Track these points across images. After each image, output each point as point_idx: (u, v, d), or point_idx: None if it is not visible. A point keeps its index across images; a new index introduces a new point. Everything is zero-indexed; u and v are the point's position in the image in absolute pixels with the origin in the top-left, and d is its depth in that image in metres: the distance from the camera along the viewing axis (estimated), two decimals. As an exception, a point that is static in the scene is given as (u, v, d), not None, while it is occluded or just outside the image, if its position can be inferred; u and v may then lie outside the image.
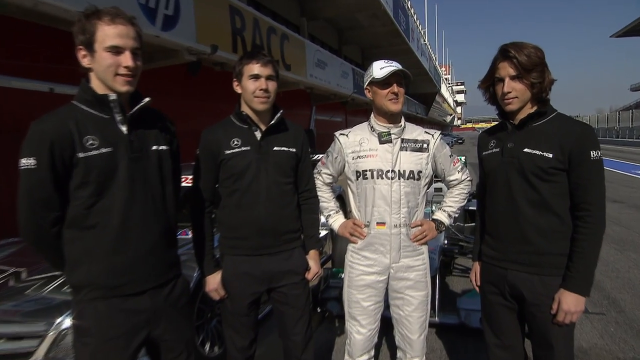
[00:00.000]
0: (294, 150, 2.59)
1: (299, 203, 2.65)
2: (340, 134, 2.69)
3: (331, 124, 18.48)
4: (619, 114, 52.98)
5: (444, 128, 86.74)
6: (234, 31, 9.57)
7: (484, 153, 2.46)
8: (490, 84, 2.33)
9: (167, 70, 8.26)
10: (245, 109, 2.51)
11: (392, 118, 2.58)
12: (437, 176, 2.76)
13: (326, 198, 2.79)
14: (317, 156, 3.58)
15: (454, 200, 2.74)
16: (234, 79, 2.51)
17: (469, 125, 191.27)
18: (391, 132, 2.56)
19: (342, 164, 2.69)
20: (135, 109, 2.04)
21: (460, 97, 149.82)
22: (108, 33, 1.94)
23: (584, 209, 2.18)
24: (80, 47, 1.98)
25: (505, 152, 2.32)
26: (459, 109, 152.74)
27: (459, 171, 2.72)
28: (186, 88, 9.64)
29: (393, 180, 2.53)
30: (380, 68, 2.51)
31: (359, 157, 2.59)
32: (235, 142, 2.49)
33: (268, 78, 2.45)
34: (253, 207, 2.49)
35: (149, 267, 2.07)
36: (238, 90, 2.51)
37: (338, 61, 18.01)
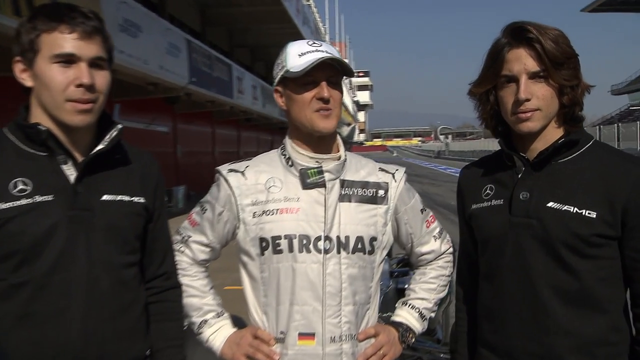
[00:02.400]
0: (141, 200, 1.94)
1: (147, 302, 2.01)
2: (230, 171, 2.07)
3: (150, 136, 15.72)
4: (600, 130, 46.75)
5: None
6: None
7: (474, 206, 2.04)
8: (490, 89, 1.93)
9: None
10: (41, 119, 1.81)
11: (322, 143, 2.03)
12: (399, 245, 2.26)
13: (198, 288, 2.12)
14: None
15: (428, 289, 2.22)
16: (17, 58, 1.80)
17: (378, 142, 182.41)
18: (323, 168, 2.00)
19: (231, 226, 2.07)
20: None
21: (364, 96, 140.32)
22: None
23: None
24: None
25: (516, 206, 1.90)
26: (361, 116, 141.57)
27: (436, 237, 2.21)
28: None
29: (328, 256, 1.98)
30: (300, 54, 1.96)
31: (265, 212, 2.01)
32: (21, 187, 1.79)
33: (94, 64, 1.78)
34: (58, 319, 1.79)
35: None
36: (26, 81, 1.80)
37: (162, 25, 15.00)
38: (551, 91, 1.85)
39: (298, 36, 29.40)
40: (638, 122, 43.53)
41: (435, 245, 2.22)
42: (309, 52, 1.98)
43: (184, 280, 2.12)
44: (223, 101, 20.52)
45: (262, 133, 37.32)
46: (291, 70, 1.96)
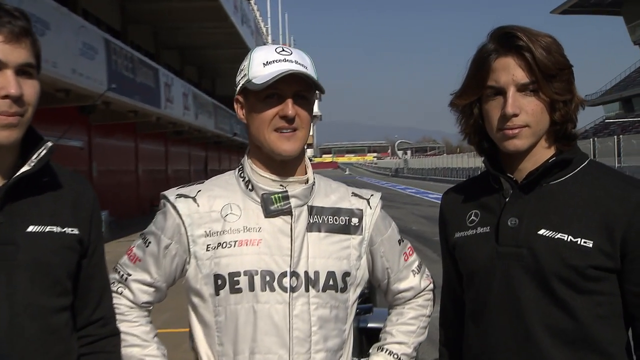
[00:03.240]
0: (74, 231, 1.94)
1: (80, 354, 2.01)
2: (179, 196, 2.07)
3: (60, 152, 14.80)
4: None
5: None
6: None
7: (457, 235, 2.08)
8: (475, 100, 1.98)
9: None
10: None
11: (287, 165, 2.05)
12: (374, 282, 2.27)
13: (139, 337, 2.09)
14: None
15: (407, 331, 2.23)
16: None
17: (328, 158, 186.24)
18: (289, 193, 2.02)
19: (181, 261, 2.06)
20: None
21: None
22: None
23: None
24: None
25: (504, 234, 1.95)
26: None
27: (415, 272, 2.24)
28: None
29: (295, 294, 1.99)
30: (265, 62, 1.99)
31: (221, 245, 2.00)
32: None
33: (22, 71, 1.80)
34: None
35: None
36: None
37: (74, 22, 15.16)
38: (541, 106, 1.89)
39: (236, 36, 29.72)
40: (615, 136, 45.56)
41: (415, 281, 2.25)
42: (276, 61, 2.00)
43: (122, 326, 2.10)
44: (148, 111, 20.50)
45: (194, 148, 37.17)
46: (253, 80, 1.97)
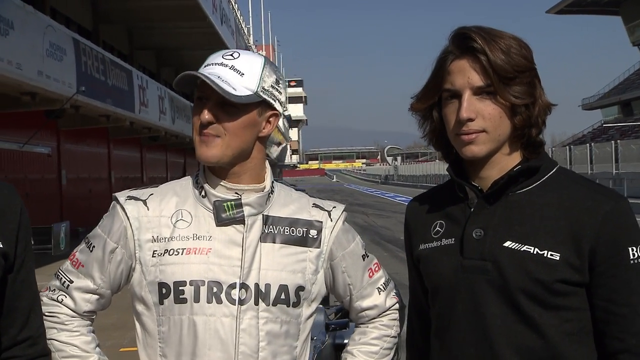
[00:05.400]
0: None
1: None
2: (130, 198, 2.10)
3: (26, 159, 16.29)
4: (571, 150, 50.06)
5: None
6: None
7: (422, 247, 2.10)
8: (433, 104, 2.01)
9: None
10: None
11: (241, 171, 2.07)
12: (336, 298, 2.32)
13: (80, 347, 2.08)
14: None
15: (369, 352, 2.24)
16: None
17: (315, 164, 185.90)
18: (243, 201, 2.04)
19: (126, 267, 2.08)
20: None
21: (297, 110, 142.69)
22: None
23: None
24: None
25: (468, 247, 1.96)
26: (294, 133, 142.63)
27: (380, 289, 2.25)
28: None
29: (243, 307, 2.01)
30: (206, 64, 2.07)
31: (168, 252, 2.02)
32: None
33: None
34: None
35: None
36: None
37: (41, 21, 15.15)
38: (499, 110, 1.91)
39: (215, 37, 29.79)
40: (612, 141, 45.91)
41: (379, 299, 2.26)
42: (210, 64, 2.05)
43: (61, 336, 2.11)
44: (121, 115, 20.46)
45: (172, 154, 37.11)
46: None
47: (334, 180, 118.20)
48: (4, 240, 1.96)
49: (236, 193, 2.08)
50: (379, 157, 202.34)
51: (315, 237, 2.15)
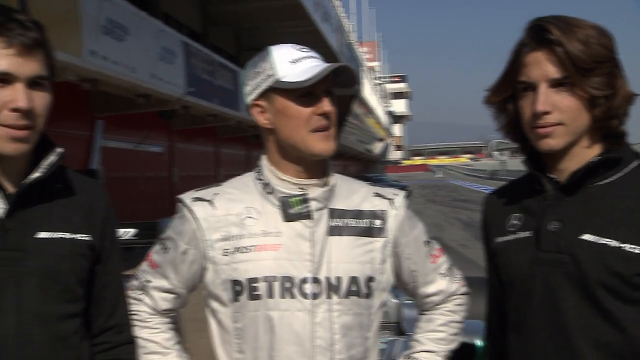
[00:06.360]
0: (86, 237, 1.94)
1: None
2: (196, 200, 2.07)
3: (140, 158, 16.11)
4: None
5: (370, 167, 74.16)
6: None
7: (497, 239, 2.02)
8: (509, 96, 1.91)
9: None
10: None
11: (311, 167, 2.03)
12: (399, 286, 2.21)
13: (160, 344, 2.09)
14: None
15: (436, 339, 2.17)
16: None
17: (419, 160, 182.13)
18: (309, 196, 2.00)
19: (199, 267, 2.06)
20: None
21: (400, 106, 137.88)
22: None
23: None
24: None
25: (545, 239, 1.88)
26: (397, 129, 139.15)
27: (443, 275, 2.18)
28: None
29: (316, 301, 1.97)
30: (292, 60, 1.98)
31: (239, 250, 2.00)
32: None
33: (33, 83, 1.81)
34: None
35: None
36: None
37: (153, 26, 14.96)
38: (577, 102, 1.82)
39: (316, 35, 29.75)
40: None
41: (443, 284, 2.20)
42: (302, 57, 2.01)
43: (143, 333, 2.11)
44: (227, 114, 20.66)
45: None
46: (286, 80, 1.98)
47: (438, 175, 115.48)
48: (92, 233, 1.97)
49: (301, 188, 2.04)
50: (486, 151, 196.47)
51: (380, 226, 2.10)
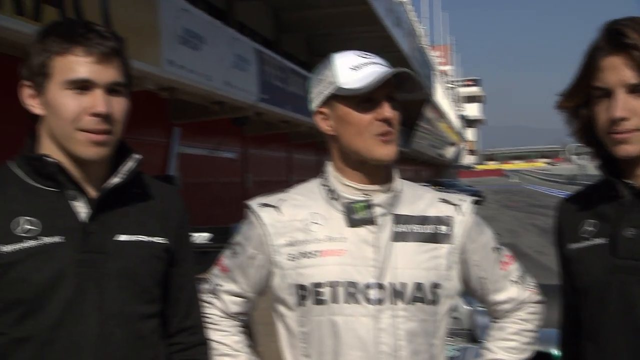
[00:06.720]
0: (162, 240, 2.00)
1: None
2: (263, 205, 2.11)
3: (214, 163, 16.09)
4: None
5: (443, 172, 71.90)
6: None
7: (571, 246, 1.97)
8: (583, 101, 1.87)
9: None
10: (50, 150, 1.90)
11: (375, 173, 2.04)
12: (469, 292, 2.20)
13: (231, 347, 2.14)
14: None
15: (507, 347, 2.13)
16: (26, 82, 1.90)
17: (493, 165, 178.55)
18: (373, 202, 2.01)
19: (266, 271, 2.09)
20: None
21: (473, 110, 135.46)
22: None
23: None
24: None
25: (622, 246, 1.83)
26: (470, 133, 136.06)
27: (514, 282, 2.14)
28: None
29: (381, 307, 1.96)
30: (353, 67, 1.99)
31: (303, 254, 2.01)
32: (26, 227, 1.86)
33: (111, 90, 1.89)
34: None
35: None
36: (35, 108, 1.89)
37: (227, 35, 14.90)
38: None
39: (388, 40, 29.63)
40: None
41: (513, 292, 2.17)
42: (364, 64, 2.02)
43: (214, 336, 2.16)
44: (299, 120, 20.53)
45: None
46: (346, 87, 1.99)
47: (513, 180, 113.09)
48: (168, 237, 2.03)
49: (365, 194, 2.05)
50: (565, 156, 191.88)
51: (445, 232, 2.08)
